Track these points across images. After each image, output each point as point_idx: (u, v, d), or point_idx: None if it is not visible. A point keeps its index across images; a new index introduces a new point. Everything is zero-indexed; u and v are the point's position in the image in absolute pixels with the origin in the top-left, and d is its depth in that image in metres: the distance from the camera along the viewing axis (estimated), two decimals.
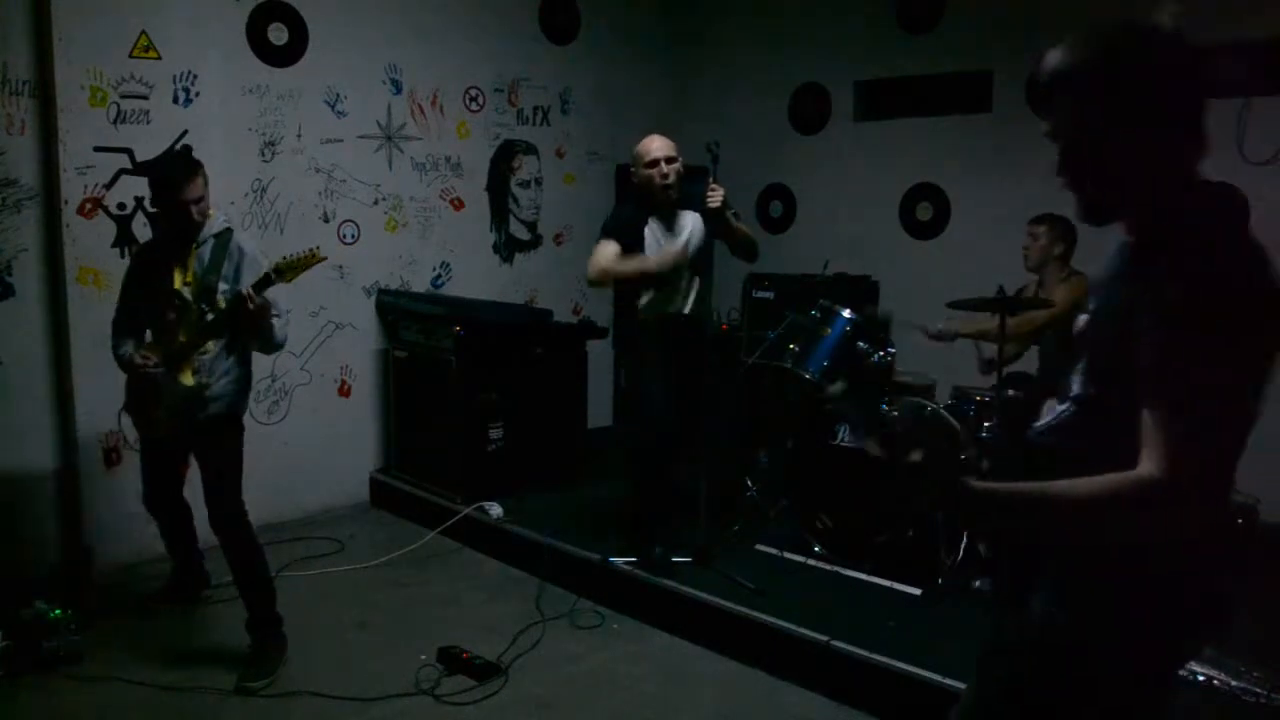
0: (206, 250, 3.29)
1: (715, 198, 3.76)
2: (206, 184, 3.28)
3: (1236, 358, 1.31)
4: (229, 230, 3.35)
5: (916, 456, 1.36)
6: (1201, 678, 2.88)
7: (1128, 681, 1.50)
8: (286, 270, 3.18)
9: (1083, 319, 1.57)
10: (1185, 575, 1.43)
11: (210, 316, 3.25)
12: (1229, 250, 1.36)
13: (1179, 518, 1.33)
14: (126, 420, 3.53)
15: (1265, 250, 1.37)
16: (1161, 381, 1.33)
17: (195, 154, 4.36)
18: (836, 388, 1.27)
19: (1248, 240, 1.38)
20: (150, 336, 3.44)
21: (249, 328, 3.26)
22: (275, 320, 3.26)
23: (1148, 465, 1.32)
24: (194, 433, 3.35)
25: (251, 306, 3.13)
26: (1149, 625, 1.45)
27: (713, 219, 3.85)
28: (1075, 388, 1.52)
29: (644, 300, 3.96)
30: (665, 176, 3.78)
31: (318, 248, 3.28)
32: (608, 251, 3.76)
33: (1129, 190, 1.45)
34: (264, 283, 3.15)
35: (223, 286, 3.27)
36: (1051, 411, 1.57)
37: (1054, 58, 1.51)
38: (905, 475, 1.37)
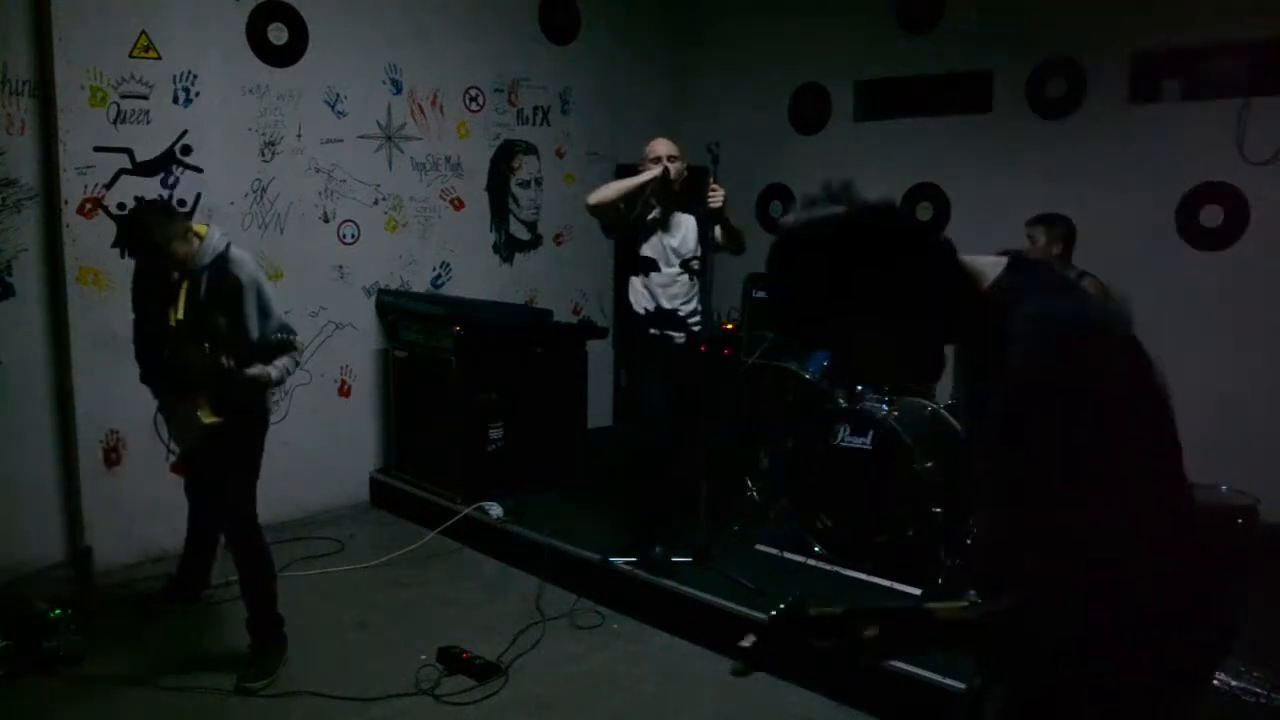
0: (202, 282, 3.21)
1: (716, 198, 3.87)
2: (179, 224, 3.18)
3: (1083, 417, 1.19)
4: (222, 259, 3.22)
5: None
6: None
7: None
8: (268, 349, 3.22)
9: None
10: (1161, 633, 1.29)
11: (209, 356, 3.16)
12: (1028, 318, 1.25)
13: (1096, 611, 1.21)
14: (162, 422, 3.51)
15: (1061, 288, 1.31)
16: (996, 486, 1.26)
17: (195, 154, 4.41)
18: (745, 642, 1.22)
19: (1042, 295, 1.29)
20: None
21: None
22: (273, 370, 3.25)
23: (1018, 588, 1.23)
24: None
25: (240, 381, 3.13)
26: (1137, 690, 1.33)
27: (713, 218, 3.94)
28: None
29: (640, 295, 4.01)
30: (666, 172, 3.90)
31: (295, 336, 3.31)
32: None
33: (926, 355, 1.38)
34: (245, 360, 3.16)
35: (222, 320, 3.21)
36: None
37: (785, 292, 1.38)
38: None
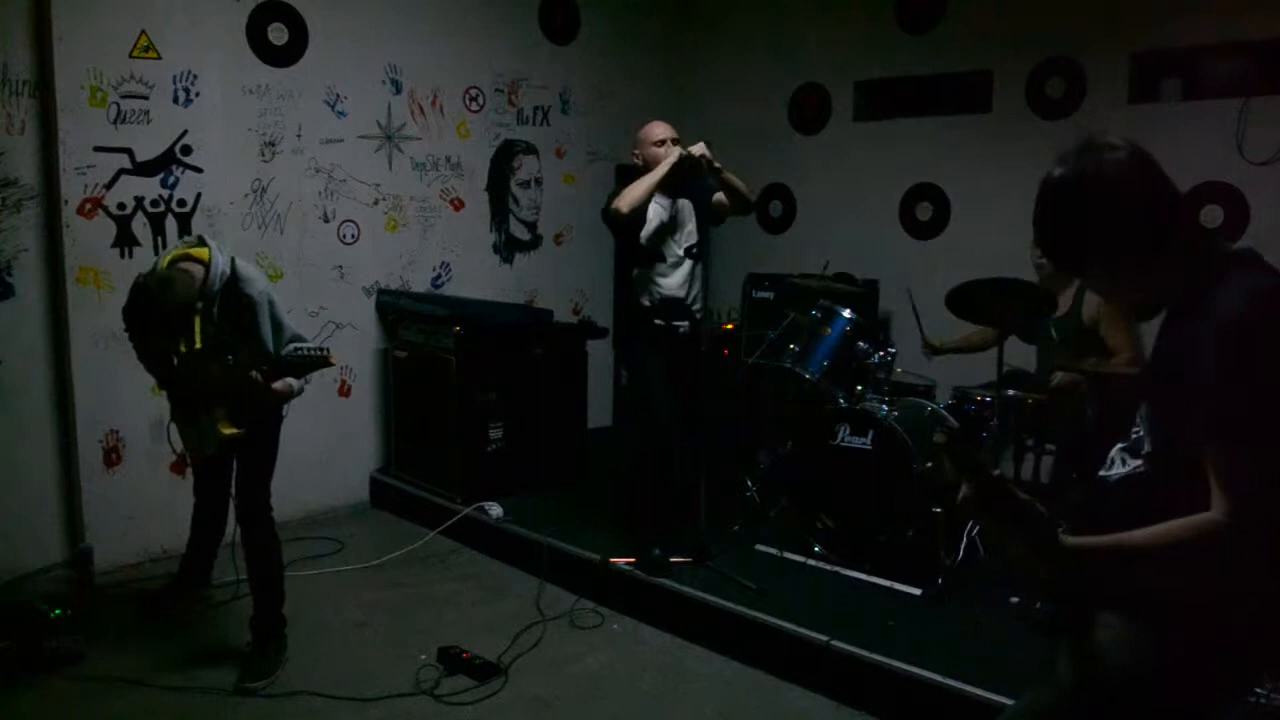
0: (214, 309, 3.20)
1: (698, 149, 3.77)
2: (189, 280, 3.12)
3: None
4: (232, 280, 3.20)
5: (1010, 518, 1.44)
6: None
7: (1184, 713, 1.56)
8: (298, 364, 3.18)
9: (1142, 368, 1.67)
10: (1249, 613, 1.47)
11: (232, 368, 3.17)
12: (1257, 291, 1.44)
13: (1247, 555, 1.38)
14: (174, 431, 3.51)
15: None
16: (1214, 422, 1.39)
17: (195, 154, 4.41)
18: (939, 437, 1.30)
19: (1270, 280, 1.47)
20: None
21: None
22: (295, 383, 3.29)
23: (1213, 508, 1.38)
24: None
25: (266, 396, 3.15)
26: (1211, 662, 1.50)
27: (708, 174, 3.82)
28: (1146, 445, 1.58)
29: (645, 285, 3.98)
30: (688, 155, 3.82)
31: (328, 351, 3.21)
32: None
33: (1156, 281, 1.54)
34: (273, 374, 3.18)
35: (240, 338, 3.22)
36: (1122, 462, 1.62)
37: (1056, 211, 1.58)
38: (1001, 530, 1.46)
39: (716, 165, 3.80)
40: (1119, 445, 1.64)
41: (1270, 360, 1.38)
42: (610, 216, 3.82)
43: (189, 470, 3.60)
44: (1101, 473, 1.64)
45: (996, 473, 1.45)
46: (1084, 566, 1.47)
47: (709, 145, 3.81)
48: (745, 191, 3.98)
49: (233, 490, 3.47)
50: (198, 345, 3.20)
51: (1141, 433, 1.60)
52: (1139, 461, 1.59)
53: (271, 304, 3.25)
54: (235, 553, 3.49)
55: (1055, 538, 1.43)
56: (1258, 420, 1.37)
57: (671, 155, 3.81)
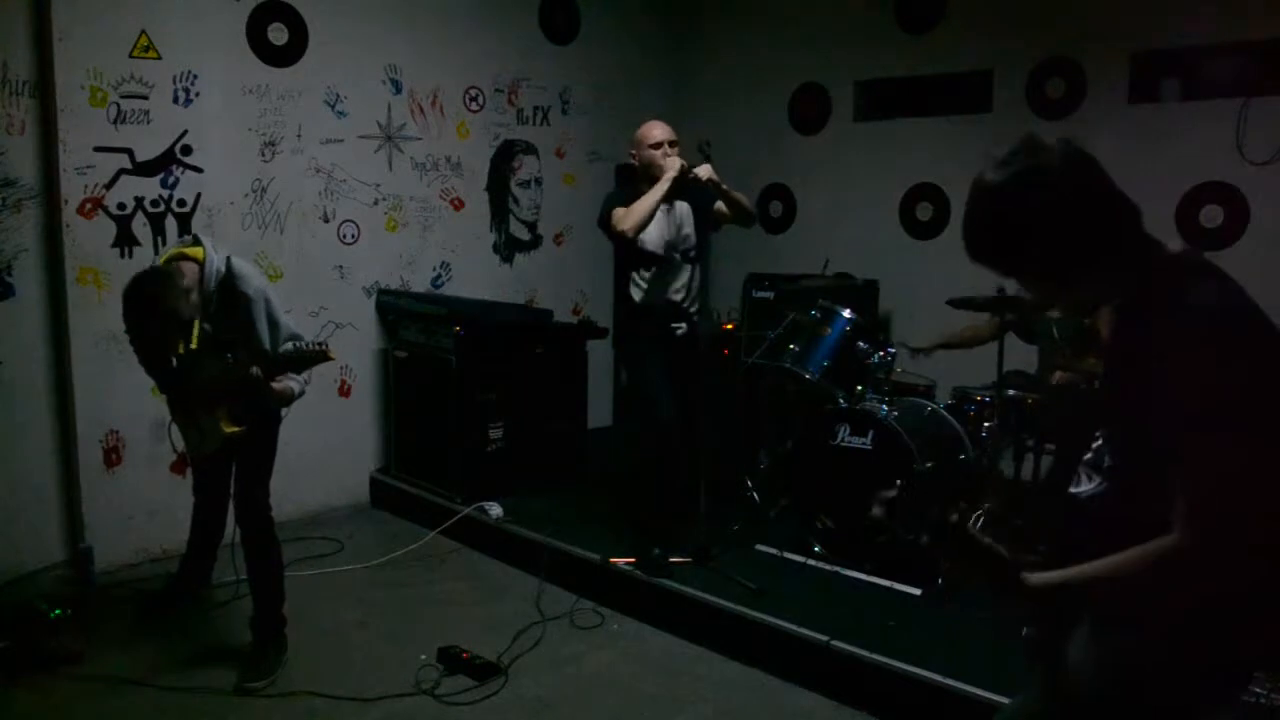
0: (211, 306, 3.21)
1: (704, 170, 3.80)
2: (184, 280, 3.09)
3: (1245, 390, 1.33)
4: (228, 277, 3.19)
5: (979, 563, 1.49)
6: None
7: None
8: (296, 360, 3.18)
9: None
10: (1231, 615, 1.44)
11: (232, 367, 3.19)
12: (1211, 299, 1.41)
13: (1213, 578, 1.36)
14: (176, 431, 3.51)
15: (1238, 286, 1.44)
16: (1175, 437, 1.36)
17: (195, 154, 4.41)
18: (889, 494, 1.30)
19: (1220, 281, 1.44)
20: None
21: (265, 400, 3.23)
22: (295, 384, 3.28)
23: (1173, 532, 1.36)
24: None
25: (266, 394, 3.15)
26: (1195, 667, 1.48)
27: (711, 190, 3.87)
28: (1106, 459, 1.56)
29: (642, 288, 3.98)
30: (668, 157, 3.84)
31: (327, 346, 3.22)
32: (624, 210, 3.80)
33: (1099, 281, 1.50)
34: (272, 371, 3.17)
35: (238, 336, 3.22)
36: (1088, 478, 1.60)
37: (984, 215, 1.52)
38: (969, 573, 1.52)
39: (724, 186, 3.84)
40: (1083, 459, 1.61)
41: (1228, 372, 1.34)
42: (616, 237, 3.83)
43: (189, 470, 3.60)
44: (1071, 489, 1.62)
45: (997, 548, 1.48)
46: (1053, 602, 1.49)
47: (712, 164, 3.84)
48: (748, 207, 4.00)
49: (232, 491, 3.46)
50: (194, 345, 3.19)
51: (1102, 445, 1.57)
52: (1099, 478, 1.56)
53: (268, 301, 3.24)
54: (235, 553, 3.49)
55: (1022, 584, 1.47)
56: (1219, 432, 1.32)
57: (670, 168, 3.78)
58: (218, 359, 3.20)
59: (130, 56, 4.17)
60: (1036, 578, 1.47)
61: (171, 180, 4.36)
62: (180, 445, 3.48)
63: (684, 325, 4.04)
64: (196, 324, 3.20)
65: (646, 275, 3.98)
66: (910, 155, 5.64)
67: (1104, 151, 1.53)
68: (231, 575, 3.78)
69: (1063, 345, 4.01)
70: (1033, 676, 1.77)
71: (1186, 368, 1.34)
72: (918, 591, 3.65)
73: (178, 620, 3.76)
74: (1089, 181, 1.45)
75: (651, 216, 3.79)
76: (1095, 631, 1.56)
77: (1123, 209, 1.47)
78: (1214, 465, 1.33)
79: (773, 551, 4.09)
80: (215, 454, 3.39)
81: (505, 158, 5.78)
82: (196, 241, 3.27)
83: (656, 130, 3.92)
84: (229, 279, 3.20)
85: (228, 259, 3.24)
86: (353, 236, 5.12)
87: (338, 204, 5.04)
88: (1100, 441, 1.57)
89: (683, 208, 4.01)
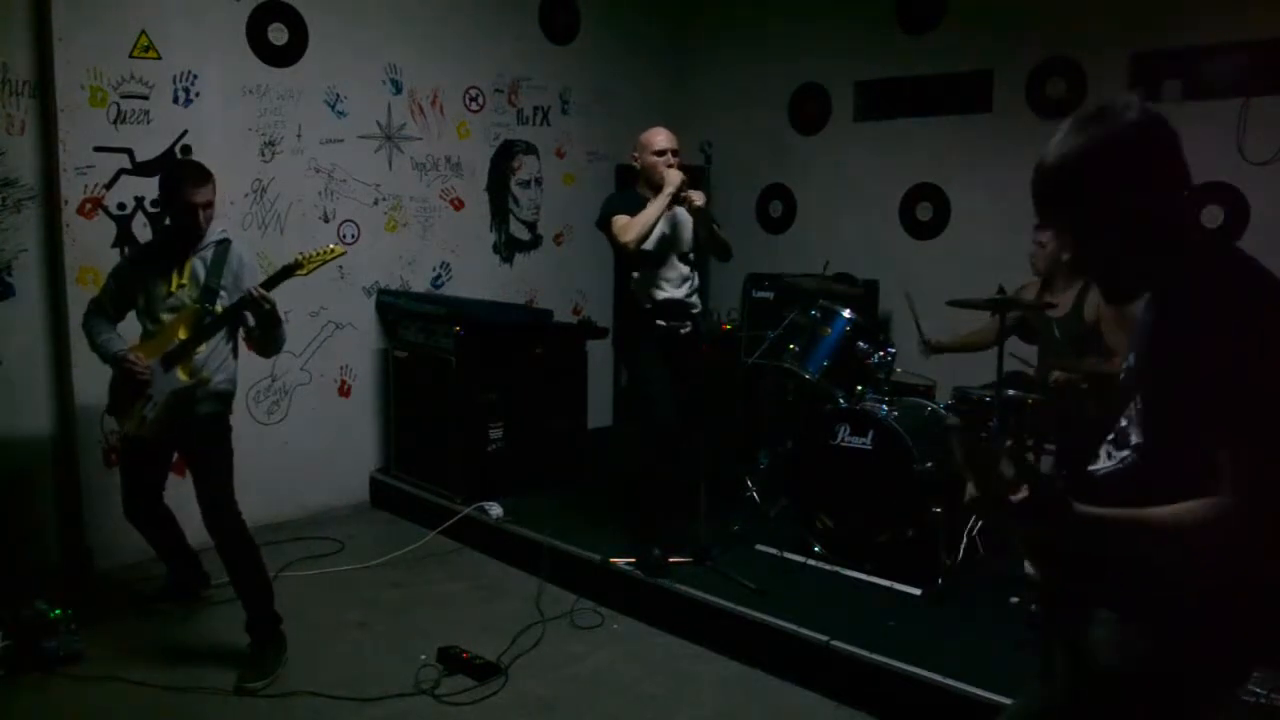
0: (207, 255, 3.33)
1: (697, 198, 3.86)
2: (215, 192, 3.32)
3: None
4: (228, 241, 3.38)
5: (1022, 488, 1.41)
6: None
7: (1184, 708, 1.55)
8: (306, 263, 3.31)
9: (1128, 365, 1.62)
10: (1245, 606, 1.46)
11: (209, 319, 3.29)
12: (1248, 280, 1.44)
13: (1251, 543, 1.37)
14: (111, 422, 3.53)
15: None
16: (1221, 411, 1.37)
17: (195, 154, 4.42)
18: (952, 419, 1.31)
19: (1260, 271, 1.46)
20: (141, 334, 3.42)
21: (264, 324, 3.33)
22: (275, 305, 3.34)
23: (1225, 492, 1.36)
24: (185, 433, 3.36)
25: (267, 306, 3.22)
26: (1208, 659, 1.49)
27: (696, 218, 3.93)
28: (1134, 436, 1.56)
29: (643, 291, 3.99)
30: (670, 166, 3.88)
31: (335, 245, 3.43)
32: (626, 220, 3.83)
33: (1145, 265, 1.52)
34: (284, 273, 3.28)
35: (222, 294, 3.31)
36: (1108, 456, 1.60)
37: (1053, 162, 1.52)
38: (1010, 515, 1.42)
39: (714, 223, 3.94)
40: (1106, 438, 1.62)
41: (1273, 351, 1.37)
42: (619, 247, 3.86)
43: (188, 471, 3.59)
44: (1090, 468, 1.63)
45: (1007, 446, 1.43)
46: (1097, 538, 1.43)
47: (707, 198, 3.95)
48: (726, 243, 4.06)
49: (198, 501, 3.40)
50: (184, 281, 3.29)
51: (1127, 424, 1.58)
52: (1126, 453, 1.56)
53: (254, 274, 3.37)
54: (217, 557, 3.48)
55: (1069, 507, 1.39)
56: (1264, 409, 1.36)
57: (671, 181, 3.81)
58: (197, 316, 3.28)
59: (130, 56, 4.17)
60: (1089, 510, 1.41)
61: None
62: (118, 428, 3.46)
63: (688, 324, 4.05)
64: (188, 265, 3.30)
65: (648, 277, 3.99)
66: (910, 155, 5.64)
67: None
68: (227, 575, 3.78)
69: (1062, 346, 4.01)
70: (1045, 668, 1.76)
71: (1230, 346, 1.37)
72: (918, 591, 3.65)
73: (178, 620, 3.76)
74: (1164, 151, 1.52)
75: (654, 229, 3.84)
76: (1119, 614, 1.55)
77: (1187, 183, 1.52)
78: (1260, 445, 1.35)
79: (773, 551, 4.09)
80: (146, 449, 3.42)
81: (505, 158, 5.79)
82: None
83: (660, 138, 3.95)
84: (227, 244, 3.36)
85: (230, 240, 3.40)
86: (353, 236, 5.12)
87: (338, 204, 5.04)
88: (1126, 422, 1.58)
89: (682, 211, 4.02)
